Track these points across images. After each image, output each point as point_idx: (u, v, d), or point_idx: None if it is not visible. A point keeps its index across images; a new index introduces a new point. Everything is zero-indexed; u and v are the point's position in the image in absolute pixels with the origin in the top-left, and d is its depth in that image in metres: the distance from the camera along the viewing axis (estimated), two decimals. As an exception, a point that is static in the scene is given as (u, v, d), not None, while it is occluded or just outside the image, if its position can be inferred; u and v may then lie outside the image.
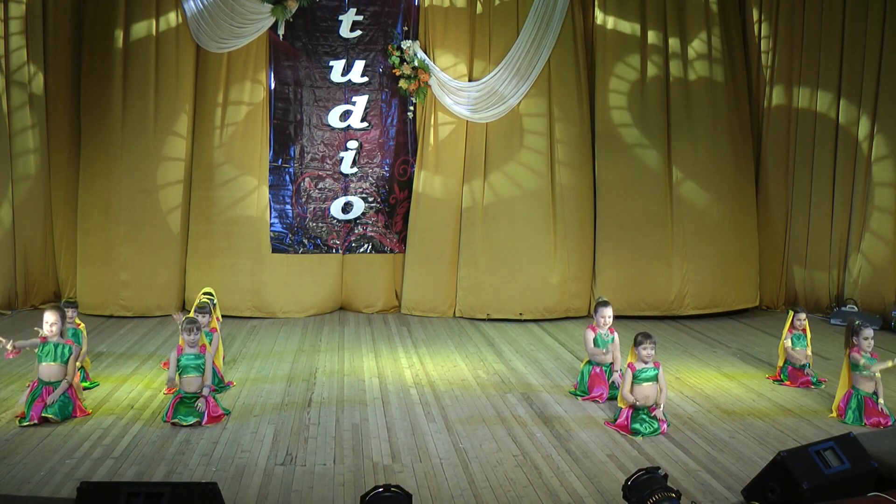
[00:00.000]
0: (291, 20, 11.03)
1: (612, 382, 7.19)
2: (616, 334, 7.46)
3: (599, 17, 11.29)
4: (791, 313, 7.85)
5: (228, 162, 11.00)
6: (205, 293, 8.26)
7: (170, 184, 10.84)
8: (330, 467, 5.55)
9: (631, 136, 11.15)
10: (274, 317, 10.89)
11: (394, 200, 11.54)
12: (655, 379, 6.43)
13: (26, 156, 10.58)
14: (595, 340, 7.39)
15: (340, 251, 11.44)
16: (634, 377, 6.41)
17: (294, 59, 11.23)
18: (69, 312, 7.29)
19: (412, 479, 5.35)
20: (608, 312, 7.42)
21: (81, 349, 7.15)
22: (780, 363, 7.92)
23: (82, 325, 7.55)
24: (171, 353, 6.68)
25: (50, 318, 6.46)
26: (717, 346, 9.47)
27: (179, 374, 6.53)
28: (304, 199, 11.32)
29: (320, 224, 11.39)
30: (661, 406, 6.44)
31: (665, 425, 6.37)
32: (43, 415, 6.22)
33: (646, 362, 6.42)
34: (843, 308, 10.75)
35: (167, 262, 10.84)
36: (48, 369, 6.41)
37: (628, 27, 11.23)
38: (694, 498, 5.02)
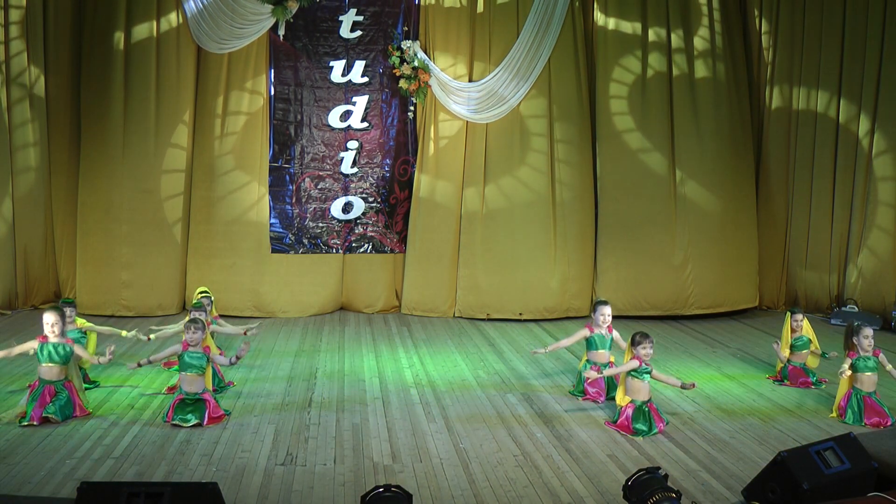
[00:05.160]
0: (292, 20, 11.03)
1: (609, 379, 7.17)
2: (615, 333, 7.46)
3: (600, 17, 11.29)
4: (788, 315, 7.84)
5: (229, 162, 11.02)
6: (201, 292, 8.27)
7: (170, 184, 10.85)
8: (330, 467, 5.55)
9: (632, 136, 11.15)
10: (274, 317, 10.90)
11: (394, 200, 11.54)
12: (649, 376, 6.44)
13: (27, 155, 10.58)
14: (590, 341, 7.42)
15: (340, 251, 11.45)
16: (634, 373, 6.42)
17: (294, 59, 11.23)
18: (67, 311, 7.29)
19: (412, 479, 5.35)
20: (607, 311, 7.44)
21: (86, 347, 7.18)
22: (780, 363, 7.92)
23: (84, 323, 7.53)
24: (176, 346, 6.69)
25: (50, 318, 6.46)
26: (718, 346, 9.47)
27: (181, 372, 6.53)
28: (304, 199, 11.33)
29: (320, 224, 11.39)
30: (680, 383, 6.57)
31: (663, 424, 6.38)
32: (43, 415, 6.23)
33: (645, 362, 6.42)
34: (843, 308, 10.75)
35: (168, 262, 10.85)
36: (49, 370, 6.42)
37: (629, 27, 11.23)
38: (694, 498, 5.02)
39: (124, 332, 7.62)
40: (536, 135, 11.20)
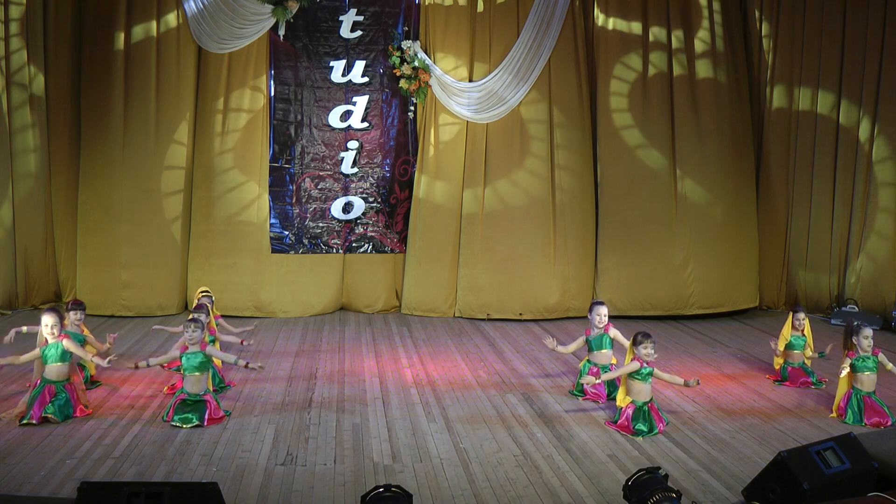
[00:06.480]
0: (292, 21, 11.04)
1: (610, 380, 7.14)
2: (612, 331, 7.45)
3: (600, 17, 11.30)
4: (790, 313, 7.85)
5: (229, 162, 11.03)
6: (202, 292, 8.26)
7: (171, 184, 10.86)
8: (330, 467, 5.55)
9: (632, 136, 11.16)
10: (274, 317, 10.90)
11: (394, 200, 11.54)
12: (650, 378, 6.44)
13: (27, 156, 10.58)
14: (589, 343, 7.42)
15: (341, 251, 11.45)
16: (634, 375, 6.41)
17: (295, 59, 11.24)
18: (77, 315, 7.28)
19: (413, 479, 5.35)
20: (602, 311, 7.43)
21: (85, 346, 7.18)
22: (780, 363, 7.92)
23: (86, 330, 7.51)
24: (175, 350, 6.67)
25: (49, 320, 6.46)
26: (718, 346, 9.48)
27: (182, 372, 6.53)
28: (304, 199, 11.33)
29: (320, 224, 11.39)
30: (683, 381, 6.51)
31: (663, 424, 6.38)
32: (43, 415, 6.23)
33: (647, 361, 6.42)
34: (843, 308, 10.75)
35: (168, 261, 10.85)
36: (55, 369, 6.42)
37: (629, 27, 11.23)
38: (694, 498, 5.02)
39: (108, 344, 7.33)
40: (537, 135, 11.20)
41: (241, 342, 7.96)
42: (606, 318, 7.46)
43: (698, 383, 6.54)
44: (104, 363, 6.54)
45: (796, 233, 11.55)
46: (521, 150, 11.21)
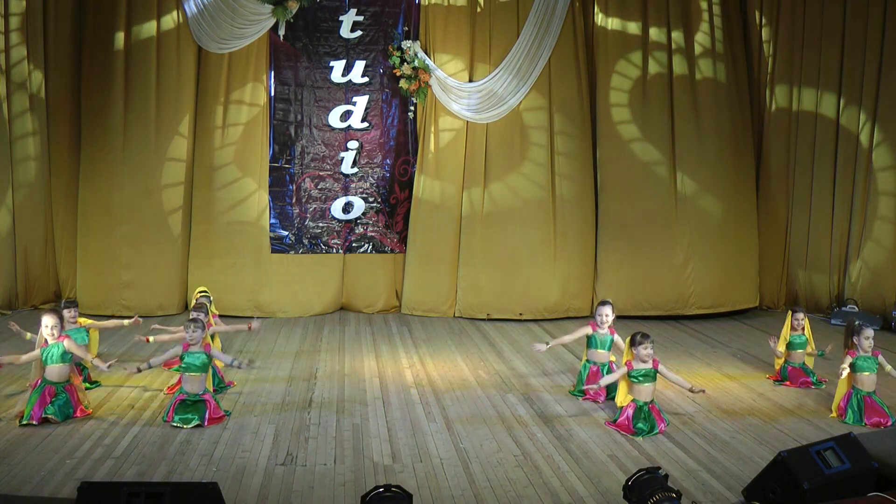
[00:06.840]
0: (292, 21, 11.04)
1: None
2: (616, 336, 7.45)
3: (600, 17, 11.30)
4: (789, 313, 7.86)
5: (229, 162, 11.03)
6: (200, 292, 8.27)
7: (171, 184, 10.86)
8: (330, 467, 5.55)
9: (632, 136, 11.16)
10: (274, 317, 10.89)
11: (394, 200, 11.54)
12: (654, 378, 6.44)
13: (27, 156, 10.57)
14: (591, 339, 7.42)
15: (341, 251, 11.45)
16: (632, 377, 6.42)
17: (295, 59, 11.24)
18: (70, 312, 7.30)
19: (413, 479, 5.35)
20: (606, 311, 7.42)
21: (88, 345, 7.20)
22: (780, 363, 7.92)
23: (86, 321, 7.54)
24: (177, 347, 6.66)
25: (49, 321, 6.45)
26: (718, 346, 9.48)
27: (182, 372, 6.53)
28: (304, 199, 11.33)
29: (320, 224, 11.39)
30: (689, 386, 6.55)
31: (664, 424, 6.38)
32: (43, 415, 6.23)
33: (645, 362, 6.42)
34: (843, 308, 10.76)
35: (168, 262, 10.85)
36: (56, 370, 6.41)
37: (629, 27, 11.23)
38: (694, 498, 5.02)
39: (125, 322, 7.63)
40: (537, 135, 11.20)
41: (249, 327, 7.85)
42: (610, 319, 7.43)
43: (703, 392, 6.56)
44: (104, 366, 6.52)
45: (796, 233, 11.55)
46: (522, 150, 11.21)
